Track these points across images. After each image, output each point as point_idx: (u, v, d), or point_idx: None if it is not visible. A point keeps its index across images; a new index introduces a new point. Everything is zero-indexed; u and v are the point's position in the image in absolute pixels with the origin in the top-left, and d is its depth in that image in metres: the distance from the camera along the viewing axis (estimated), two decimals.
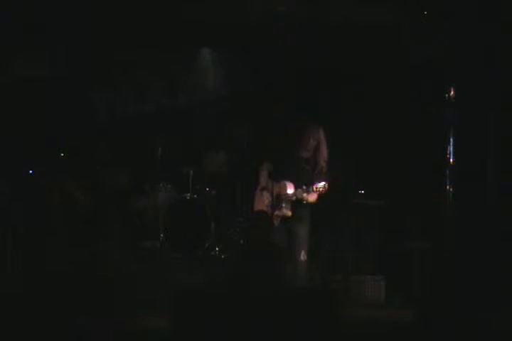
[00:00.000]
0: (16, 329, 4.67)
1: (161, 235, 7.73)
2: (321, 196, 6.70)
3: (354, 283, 7.29)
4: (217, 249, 7.75)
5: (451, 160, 7.62)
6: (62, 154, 7.67)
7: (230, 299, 4.34)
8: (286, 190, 6.79)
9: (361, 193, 7.76)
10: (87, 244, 7.32)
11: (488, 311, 5.19)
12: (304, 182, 6.70)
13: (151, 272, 7.10)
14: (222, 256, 7.68)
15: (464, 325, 4.86)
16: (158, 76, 8.74)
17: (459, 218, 7.33)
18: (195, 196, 7.88)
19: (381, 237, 7.54)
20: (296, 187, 6.73)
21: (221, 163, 8.21)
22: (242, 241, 7.69)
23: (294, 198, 6.74)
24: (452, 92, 7.57)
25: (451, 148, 7.60)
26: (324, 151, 6.80)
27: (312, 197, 6.69)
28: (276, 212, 6.81)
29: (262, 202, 7.00)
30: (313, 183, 6.60)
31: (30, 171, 7.36)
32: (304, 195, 6.67)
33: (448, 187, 7.54)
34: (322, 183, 6.51)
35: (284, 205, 6.75)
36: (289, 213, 6.72)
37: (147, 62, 8.71)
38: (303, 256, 6.63)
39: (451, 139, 7.60)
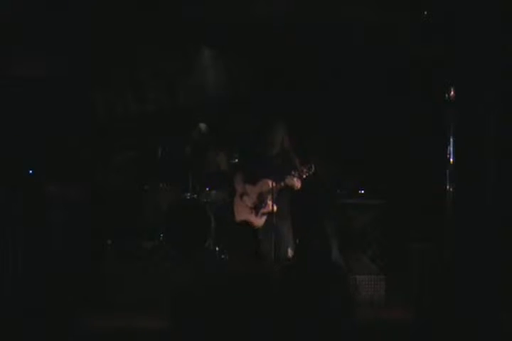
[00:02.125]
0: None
1: (161, 235, 7.73)
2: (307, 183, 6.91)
3: (354, 283, 7.30)
4: (217, 249, 7.74)
5: (451, 160, 7.63)
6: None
7: (230, 299, 4.35)
8: (268, 186, 6.97)
9: (361, 193, 7.77)
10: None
11: (488, 311, 5.20)
12: (279, 176, 6.91)
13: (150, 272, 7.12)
14: (222, 256, 7.67)
15: (464, 325, 4.86)
16: (158, 76, 8.73)
17: (458, 218, 7.33)
18: (195, 196, 7.87)
19: (381, 237, 7.54)
20: (275, 182, 6.93)
21: (221, 163, 8.21)
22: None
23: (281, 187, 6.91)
24: (452, 92, 7.57)
25: (451, 148, 7.60)
26: (290, 145, 7.14)
27: (299, 184, 6.98)
28: (263, 210, 7.01)
29: (245, 207, 7.16)
30: (292, 172, 6.87)
31: (30, 171, 7.34)
32: (295, 179, 6.88)
33: (448, 187, 7.55)
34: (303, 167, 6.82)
35: (268, 202, 6.93)
36: (275, 208, 6.87)
37: (146, 62, 8.70)
38: (290, 253, 6.83)
39: (451, 139, 7.61)
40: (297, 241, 7.57)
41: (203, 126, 8.12)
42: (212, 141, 8.22)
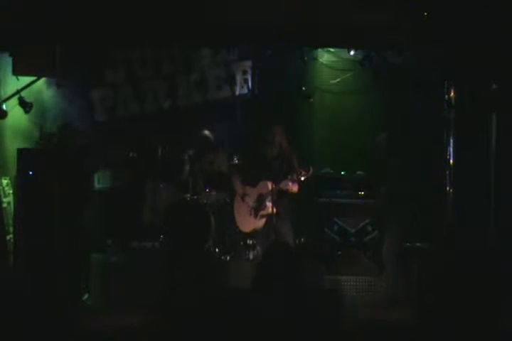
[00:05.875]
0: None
1: (161, 236, 7.72)
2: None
3: (354, 284, 7.30)
4: (217, 250, 7.74)
5: (451, 160, 7.64)
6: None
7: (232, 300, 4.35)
8: (268, 188, 7.01)
9: (361, 193, 7.76)
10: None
11: (488, 311, 5.19)
12: (279, 178, 6.95)
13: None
14: (222, 257, 7.67)
15: (464, 325, 4.85)
16: (159, 75, 8.73)
17: (458, 218, 7.34)
18: (196, 197, 7.87)
19: (381, 237, 7.53)
20: (275, 183, 6.96)
21: (221, 164, 8.21)
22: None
23: (278, 190, 6.94)
24: (452, 92, 7.59)
25: (451, 148, 7.62)
26: (288, 146, 7.25)
27: (295, 187, 7.06)
28: (262, 212, 7.05)
29: (245, 207, 7.20)
30: (288, 176, 6.97)
31: (30, 172, 7.35)
32: (290, 183, 6.89)
33: (448, 187, 7.56)
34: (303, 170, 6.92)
35: (268, 204, 6.98)
36: (274, 210, 6.89)
37: (148, 62, 8.69)
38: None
39: (451, 139, 7.63)
40: (297, 241, 7.59)
41: (206, 132, 8.12)
42: (212, 143, 8.22)
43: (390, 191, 7.24)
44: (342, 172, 8.03)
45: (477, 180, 7.39)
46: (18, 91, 7.79)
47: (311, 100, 8.39)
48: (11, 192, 7.87)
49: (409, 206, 7.22)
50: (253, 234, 7.43)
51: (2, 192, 7.78)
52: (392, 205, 7.23)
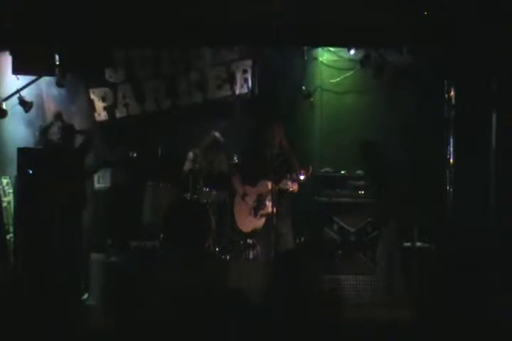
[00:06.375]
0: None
1: (161, 235, 7.73)
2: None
3: (354, 283, 7.31)
4: (217, 249, 7.74)
5: (451, 160, 7.65)
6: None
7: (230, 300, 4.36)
8: (268, 187, 7.04)
9: (361, 193, 7.77)
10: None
11: (489, 311, 5.19)
12: (279, 177, 6.98)
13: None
14: (222, 257, 7.67)
15: (463, 325, 4.86)
16: (158, 75, 8.72)
17: (458, 218, 7.34)
18: (196, 196, 7.87)
19: (380, 237, 7.53)
20: (274, 183, 6.99)
21: (221, 163, 8.21)
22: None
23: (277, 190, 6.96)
24: (452, 92, 7.60)
25: (451, 148, 7.62)
26: (287, 146, 7.28)
27: (295, 187, 7.09)
28: (261, 211, 7.08)
29: (245, 207, 7.22)
30: (288, 175, 7.01)
31: (30, 171, 7.36)
32: (289, 183, 6.96)
33: (448, 187, 7.56)
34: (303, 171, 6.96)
35: (268, 203, 7.00)
36: (274, 210, 6.91)
37: (148, 61, 8.68)
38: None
39: (451, 139, 7.63)
40: (297, 241, 7.60)
41: (217, 134, 8.12)
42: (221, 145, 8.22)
43: (390, 191, 7.24)
44: (342, 172, 8.03)
45: (477, 179, 7.40)
46: (17, 91, 7.82)
47: (311, 99, 8.41)
48: (11, 191, 7.88)
49: (409, 206, 7.23)
50: (253, 233, 7.45)
51: (2, 192, 7.79)
52: (392, 205, 7.23)
